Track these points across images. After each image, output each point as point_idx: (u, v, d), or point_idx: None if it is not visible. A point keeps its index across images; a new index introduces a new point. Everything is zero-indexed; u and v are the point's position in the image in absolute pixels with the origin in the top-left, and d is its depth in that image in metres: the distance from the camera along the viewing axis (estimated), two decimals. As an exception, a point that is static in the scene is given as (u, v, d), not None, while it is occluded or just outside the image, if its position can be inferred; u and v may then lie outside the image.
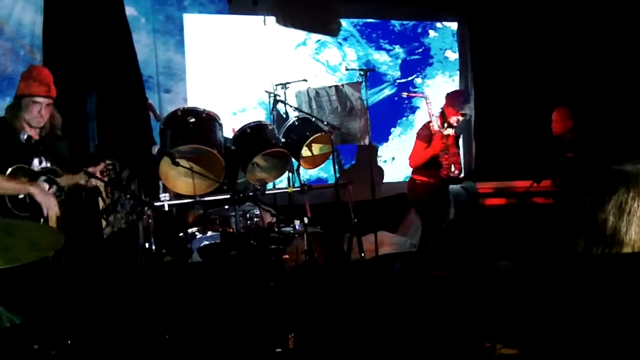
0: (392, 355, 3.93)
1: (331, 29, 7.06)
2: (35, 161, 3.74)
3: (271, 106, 5.78)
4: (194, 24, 6.78)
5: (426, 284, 5.20)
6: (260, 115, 6.77)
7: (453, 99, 5.53)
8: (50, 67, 5.50)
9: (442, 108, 5.57)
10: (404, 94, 6.32)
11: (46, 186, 3.68)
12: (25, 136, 3.64)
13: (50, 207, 3.47)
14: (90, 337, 3.75)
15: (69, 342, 3.09)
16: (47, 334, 2.94)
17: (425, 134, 5.52)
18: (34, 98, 3.71)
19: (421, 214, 5.95)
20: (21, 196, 3.55)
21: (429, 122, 5.47)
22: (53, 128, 3.83)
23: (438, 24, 8.00)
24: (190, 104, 6.42)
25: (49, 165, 3.78)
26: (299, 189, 4.90)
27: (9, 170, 3.58)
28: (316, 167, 5.42)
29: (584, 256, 1.51)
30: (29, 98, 3.70)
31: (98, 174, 3.80)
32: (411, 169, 5.78)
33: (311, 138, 4.96)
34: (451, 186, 6.11)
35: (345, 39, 7.49)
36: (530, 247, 5.11)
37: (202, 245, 4.56)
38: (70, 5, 5.43)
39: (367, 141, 6.46)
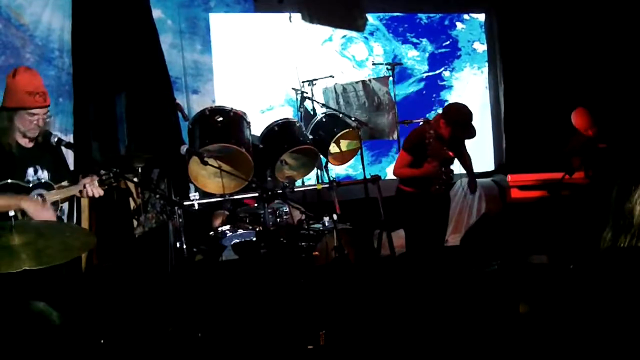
0: (422, 352, 3.91)
1: (357, 24, 7.03)
2: (30, 171, 3.41)
3: (299, 103, 5.79)
4: (220, 23, 6.81)
5: (457, 280, 5.15)
6: (288, 112, 6.78)
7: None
8: (79, 71, 5.62)
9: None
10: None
11: (39, 200, 3.38)
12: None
13: (41, 216, 3.21)
14: (123, 336, 3.80)
15: (102, 341, 3.13)
16: (80, 333, 2.98)
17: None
18: (31, 111, 3.34)
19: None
20: (12, 213, 3.11)
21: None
22: (46, 134, 3.48)
23: (465, 16, 7.92)
24: (219, 103, 6.46)
25: (45, 174, 3.47)
26: (327, 185, 4.90)
27: None
28: (344, 163, 5.41)
29: (612, 249, 1.47)
30: (23, 111, 3.34)
31: (96, 184, 3.46)
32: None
33: (339, 134, 4.96)
34: (482, 180, 6.05)
35: (371, 34, 7.46)
36: (563, 240, 5.03)
37: (232, 243, 4.59)
38: (98, 9, 5.51)
39: (395, 136, 6.43)
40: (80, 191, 3.47)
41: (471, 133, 5.05)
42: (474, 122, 5.03)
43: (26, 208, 3.21)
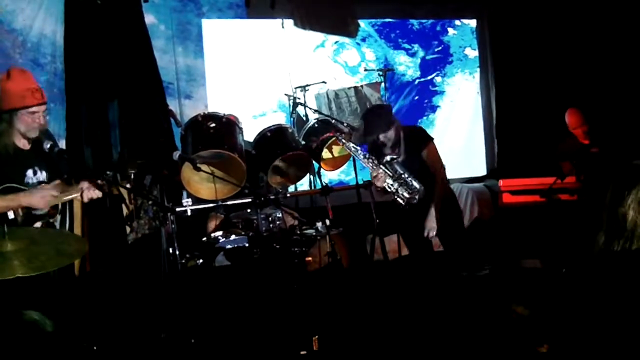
0: (415, 356, 3.91)
1: (349, 30, 7.05)
2: (29, 172, 3.40)
3: (291, 109, 5.80)
4: (213, 29, 6.82)
5: (450, 284, 5.17)
6: (281, 118, 6.78)
7: None
8: (72, 76, 5.60)
9: None
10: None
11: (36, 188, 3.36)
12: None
13: (45, 199, 3.23)
14: (116, 342, 3.79)
15: (95, 348, 3.12)
16: (73, 339, 2.98)
17: None
18: (31, 109, 3.32)
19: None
20: (11, 216, 3.21)
21: None
22: (41, 134, 3.47)
23: (457, 22, 7.95)
24: (211, 109, 6.45)
25: (43, 175, 3.47)
26: (320, 190, 4.90)
27: None
28: (337, 168, 5.42)
29: (605, 253, 1.49)
30: (24, 110, 3.31)
31: (93, 190, 3.46)
32: None
33: (331, 140, 4.97)
34: (474, 184, 6.05)
35: (363, 40, 7.48)
36: (555, 245, 5.05)
37: (225, 249, 4.59)
38: (91, 14, 5.50)
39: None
40: (83, 192, 3.44)
41: (372, 128, 4.72)
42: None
43: (27, 204, 3.22)
